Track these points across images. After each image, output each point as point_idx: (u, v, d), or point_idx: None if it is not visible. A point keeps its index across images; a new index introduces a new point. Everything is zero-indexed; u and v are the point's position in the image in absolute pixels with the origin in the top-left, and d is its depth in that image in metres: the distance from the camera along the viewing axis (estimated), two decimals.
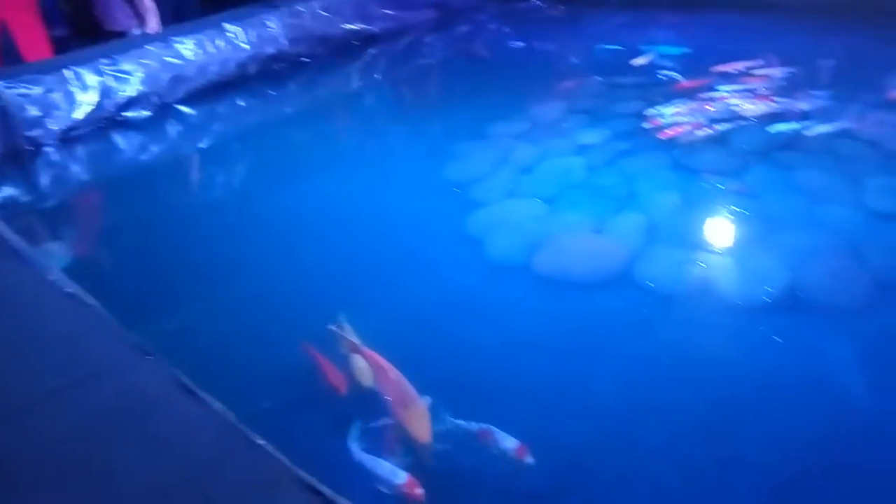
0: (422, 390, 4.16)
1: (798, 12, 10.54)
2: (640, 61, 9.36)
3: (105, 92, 8.46)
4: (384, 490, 3.62)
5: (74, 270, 5.23)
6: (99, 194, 8.23)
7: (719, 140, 7.25)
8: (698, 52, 9.79)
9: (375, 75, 10.88)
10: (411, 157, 8.05)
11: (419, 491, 3.54)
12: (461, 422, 3.99)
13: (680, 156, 6.98)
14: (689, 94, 8.13)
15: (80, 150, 8.27)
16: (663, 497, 3.75)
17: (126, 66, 8.57)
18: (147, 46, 8.83)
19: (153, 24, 9.41)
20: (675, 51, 9.80)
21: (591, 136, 7.52)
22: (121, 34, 9.54)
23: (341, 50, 10.81)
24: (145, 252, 6.31)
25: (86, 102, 8.32)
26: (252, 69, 9.72)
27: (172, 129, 8.87)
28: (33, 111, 7.98)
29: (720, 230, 5.98)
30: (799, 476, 3.76)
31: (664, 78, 8.88)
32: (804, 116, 7.39)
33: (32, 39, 8.89)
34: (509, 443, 3.79)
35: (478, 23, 12.51)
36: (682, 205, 6.19)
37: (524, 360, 4.69)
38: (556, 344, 4.84)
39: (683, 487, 3.79)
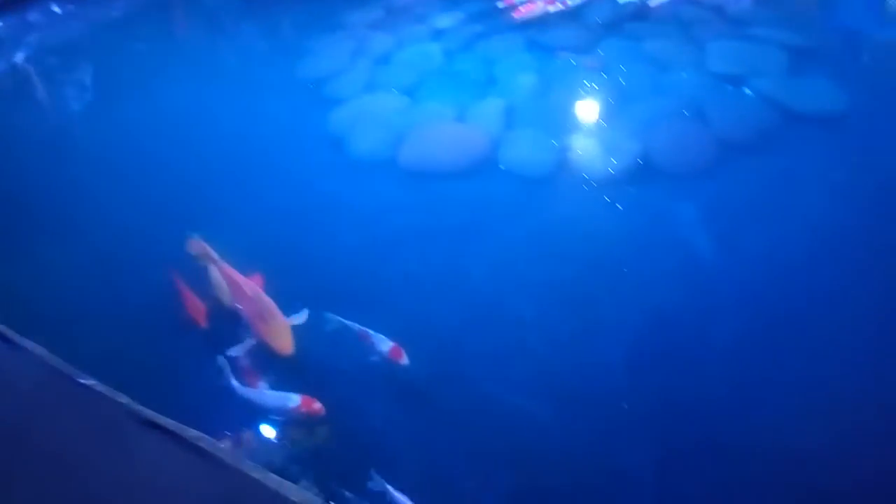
0: (297, 298, 4.11)
1: None
2: None
3: None
4: (279, 418, 3.57)
5: None
6: None
7: (571, 15, 7.28)
8: None
9: None
10: (261, 56, 7.56)
11: (317, 406, 3.53)
12: (346, 322, 3.98)
13: (534, 34, 6.99)
14: None
15: None
16: (538, 368, 3.96)
17: None
18: None
19: None
20: None
21: (446, 20, 7.37)
22: None
23: None
24: None
25: None
26: None
27: None
28: None
29: (576, 108, 6.08)
30: (657, 331, 4.06)
31: None
32: None
33: None
34: (384, 345, 3.83)
35: None
36: (540, 85, 6.23)
37: (398, 256, 4.70)
38: (428, 236, 4.86)
39: (556, 356, 4.00)
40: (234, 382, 3.68)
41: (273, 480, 2.28)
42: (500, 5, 7.37)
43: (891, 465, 3.32)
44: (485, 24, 7.24)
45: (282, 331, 3.69)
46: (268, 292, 4.01)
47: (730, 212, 4.81)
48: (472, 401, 3.82)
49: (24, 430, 2.25)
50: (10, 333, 2.77)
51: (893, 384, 3.66)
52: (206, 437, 2.42)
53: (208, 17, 8.88)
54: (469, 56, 6.77)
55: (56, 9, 8.30)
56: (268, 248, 4.63)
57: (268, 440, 3.47)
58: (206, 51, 7.90)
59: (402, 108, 6.11)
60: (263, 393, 3.64)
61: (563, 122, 5.83)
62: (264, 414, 3.60)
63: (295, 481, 3.22)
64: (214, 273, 4.07)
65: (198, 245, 4.17)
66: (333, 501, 3.27)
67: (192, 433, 2.34)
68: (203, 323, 3.95)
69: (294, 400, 3.54)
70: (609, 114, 5.87)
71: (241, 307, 3.86)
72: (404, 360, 3.77)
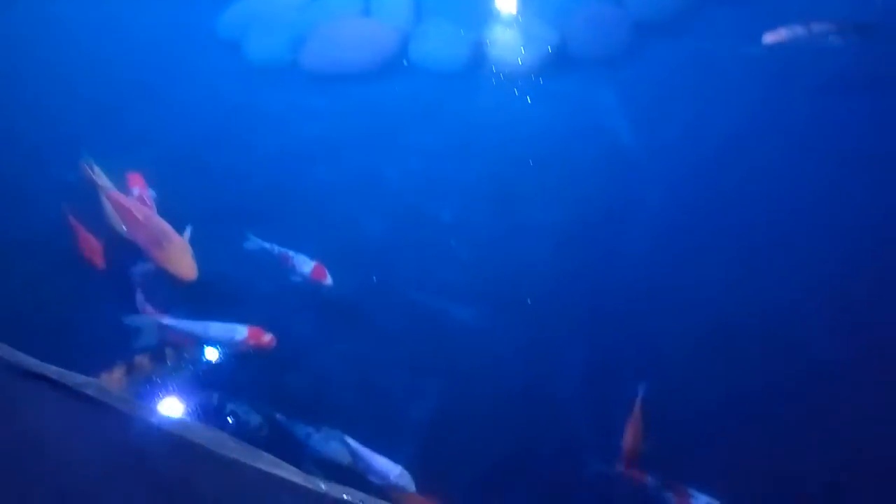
0: (205, 218, 3.82)
1: None
2: None
3: None
4: (228, 350, 3.35)
5: None
6: None
7: None
8: None
9: None
10: None
11: (267, 338, 3.33)
12: (266, 244, 3.76)
13: None
14: None
15: None
16: (463, 271, 3.86)
17: None
18: None
19: None
20: None
21: None
22: None
23: None
24: None
25: None
26: None
27: None
28: None
29: None
30: (582, 226, 3.99)
31: None
32: None
33: None
34: (306, 266, 3.65)
35: None
36: None
37: (309, 168, 4.42)
38: (340, 143, 4.57)
39: (481, 259, 3.91)
40: (167, 319, 3.41)
41: (173, 423, 2.09)
42: None
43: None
44: None
45: (181, 254, 3.39)
46: (170, 213, 3.69)
47: (649, 97, 4.70)
48: (398, 312, 3.72)
49: None
50: None
51: (801, 244, 3.76)
52: (93, 381, 2.19)
53: None
54: None
55: None
56: (167, 165, 4.26)
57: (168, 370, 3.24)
58: None
59: (301, 3, 5.61)
60: (206, 325, 3.39)
61: (475, 13, 5.48)
62: (208, 347, 3.39)
63: (201, 417, 3.09)
64: (106, 202, 3.69)
65: (84, 170, 3.76)
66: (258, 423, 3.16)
67: (78, 379, 2.10)
68: (100, 263, 3.59)
69: (240, 332, 3.33)
70: (522, 1, 5.56)
71: (134, 235, 3.53)
72: (328, 279, 3.61)
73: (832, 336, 3.38)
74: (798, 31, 4.44)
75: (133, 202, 3.59)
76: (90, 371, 2.26)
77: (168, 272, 3.39)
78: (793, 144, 4.26)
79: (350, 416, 3.29)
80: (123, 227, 3.58)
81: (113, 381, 2.94)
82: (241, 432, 3.07)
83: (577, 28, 5.13)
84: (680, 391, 3.25)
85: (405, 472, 2.86)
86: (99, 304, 3.58)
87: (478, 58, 5.02)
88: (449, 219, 4.12)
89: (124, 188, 3.89)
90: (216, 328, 3.37)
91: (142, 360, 3.11)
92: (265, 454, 2.12)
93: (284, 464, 2.14)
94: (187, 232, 3.57)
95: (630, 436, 3.01)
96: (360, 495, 2.07)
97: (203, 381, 3.24)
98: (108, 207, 3.67)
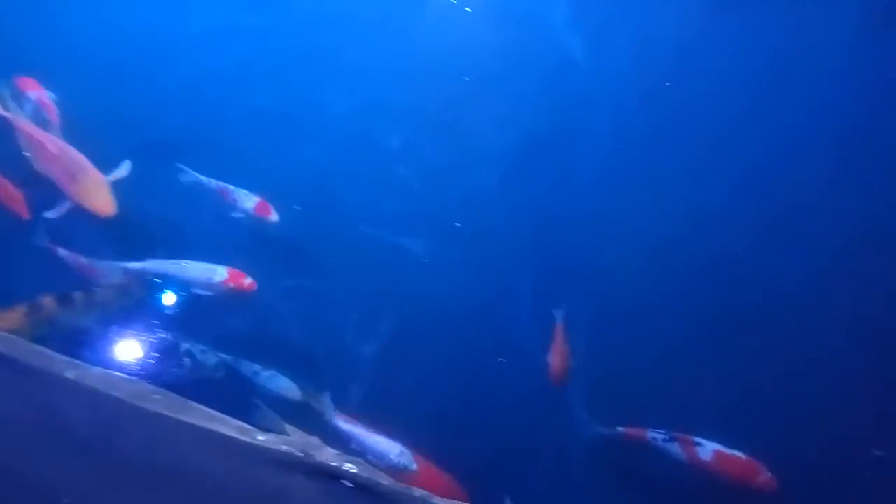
0: (131, 150, 3.44)
1: None
2: None
3: None
4: (205, 293, 3.11)
5: None
6: None
7: None
8: None
9: None
10: None
11: (247, 281, 3.12)
12: (202, 177, 3.48)
13: None
14: None
15: None
16: (412, 201, 3.70)
17: None
18: None
19: None
20: None
21: None
22: None
23: None
24: None
25: None
26: None
27: None
28: None
29: None
30: (532, 148, 3.83)
31: None
32: None
33: None
34: (249, 201, 3.40)
35: None
36: None
37: (243, 93, 4.08)
38: (276, 66, 4.21)
39: (430, 187, 3.74)
40: (135, 262, 3.14)
41: (93, 377, 1.88)
42: None
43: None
44: None
45: (97, 188, 3.09)
46: (91, 145, 3.35)
47: (602, 12, 4.44)
48: (347, 247, 3.56)
49: None
50: None
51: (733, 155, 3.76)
52: (11, 337, 1.97)
53: None
54: None
55: None
56: (84, 93, 3.85)
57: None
58: None
59: None
60: (181, 265, 3.16)
61: None
62: (184, 290, 3.16)
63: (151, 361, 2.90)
64: (20, 135, 3.31)
65: None
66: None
67: None
68: (25, 213, 3.24)
69: (220, 274, 3.12)
70: None
71: (46, 168, 3.18)
72: (273, 215, 3.39)
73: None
74: None
75: (45, 134, 3.23)
76: None
77: (84, 208, 3.09)
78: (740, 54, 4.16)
79: (300, 354, 3.18)
80: (35, 160, 3.23)
81: (11, 320, 2.70)
82: (198, 373, 2.99)
83: None
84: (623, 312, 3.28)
85: (405, 451, 2.76)
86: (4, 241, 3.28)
87: None
88: (396, 146, 3.91)
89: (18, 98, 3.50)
90: (192, 269, 3.16)
91: (47, 300, 2.86)
92: (195, 405, 1.93)
93: (219, 415, 1.96)
94: (125, 167, 3.27)
95: (555, 356, 3.07)
96: (301, 444, 1.91)
97: (136, 324, 3.02)
98: (23, 141, 3.30)
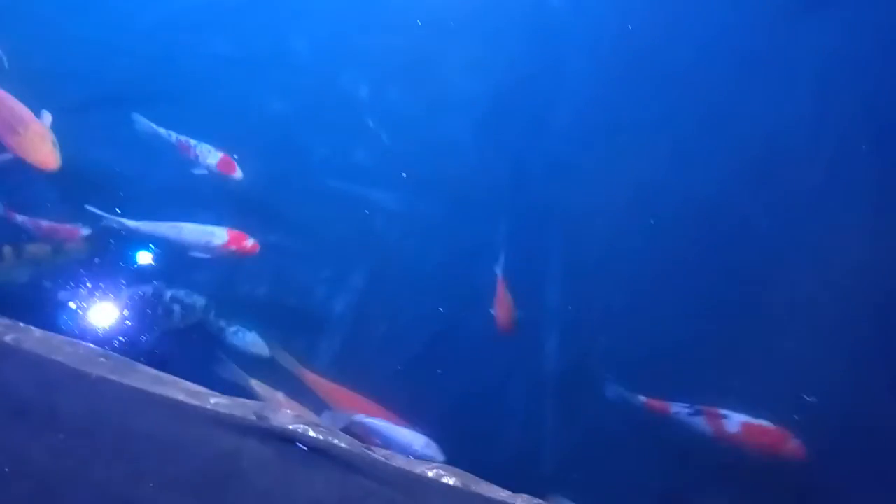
0: (81, 100, 3.36)
1: None
2: None
3: None
4: (204, 256, 3.01)
5: None
6: None
7: None
8: None
9: None
10: None
11: (250, 243, 3.03)
12: (161, 130, 3.30)
13: None
14: None
15: None
16: (382, 152, 3.59)
17: None
18: None
19: None
20: None
21: None
22: None
23: None
24: None
25: None
26: None
27: None
28: None
29: None
30: (505, 96, 3.70)
31: None
32: None
33: None
34: (211, 157, 3.24)
35: None
36: None
37: (203, 40, 3.84)
38: (236, 9, 3.99)
39: (399, 137, 3.62)
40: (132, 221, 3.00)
41: (32, 340, 1.77)
42: None
43: None
44: None
45: (39, 141, 2.94)
46: (36, 96, 3.18)
47: None
48: (315, 199, 3.46)
49: None
50: None
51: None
52: None
53: None
54: None
55: None
56: (27, 38, 3.63)
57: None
58: None
59: None
60: (178, 227, 3.04)
61: None
62: (183, 252, 3.03)
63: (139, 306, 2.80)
64: None
65: None
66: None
67: None
68: None
69: (220, 236, 3.02)
70: None
71: None
72: (237, 173, 3.25)
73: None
74: None
75: None
76: None
77: (26, 161, 2.94)
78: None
79: (268, 310, 3.11)
80: None
81: None
82: (188, 316, 2.95)
83: None
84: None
85: (431, 442, 2.71)
86: None
87: None
88: (364, 95, 3.76)
89: None
90: (189, 231, 3.03)
91: None
92: (143, 368, 1.85)
93: (169, 378, 1.88)
94: (46, 117, 3.10)
95: (500, 307, 3.09)
96: (256, 407, 1.84)
97: (85, 283, 2.91)
98: None
